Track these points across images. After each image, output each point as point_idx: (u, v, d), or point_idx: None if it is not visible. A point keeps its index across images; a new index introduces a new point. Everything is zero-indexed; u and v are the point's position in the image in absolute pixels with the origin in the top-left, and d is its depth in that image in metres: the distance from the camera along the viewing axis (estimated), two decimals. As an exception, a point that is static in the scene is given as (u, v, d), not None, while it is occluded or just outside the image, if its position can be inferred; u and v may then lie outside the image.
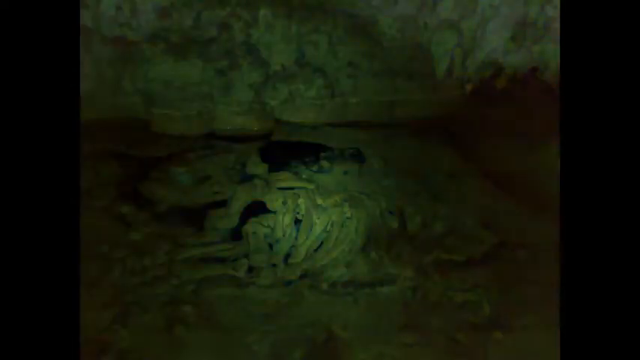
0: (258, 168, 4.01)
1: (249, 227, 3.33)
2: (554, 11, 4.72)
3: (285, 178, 3.82)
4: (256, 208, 3.53)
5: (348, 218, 3.41)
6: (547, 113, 4.24)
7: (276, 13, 4.44)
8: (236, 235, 3.36)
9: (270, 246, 3.26)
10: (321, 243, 3.29)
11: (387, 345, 2.57)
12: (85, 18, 4.10)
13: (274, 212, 3.48)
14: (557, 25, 4.73)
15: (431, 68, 4.92)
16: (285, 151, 4.28)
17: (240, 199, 3.60)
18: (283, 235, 3.32)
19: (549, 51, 4.91)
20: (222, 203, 3.62)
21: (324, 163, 4.10)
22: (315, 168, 4.06)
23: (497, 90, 5.06)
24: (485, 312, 2.81)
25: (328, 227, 3.37)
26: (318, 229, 3.36)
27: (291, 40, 4.56)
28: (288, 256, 3.19)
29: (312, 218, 3.40)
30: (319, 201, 3.53)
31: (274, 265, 3.09)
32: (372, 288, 2.95)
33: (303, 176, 3.90)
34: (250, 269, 3.06)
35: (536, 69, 5.02)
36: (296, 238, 3.31)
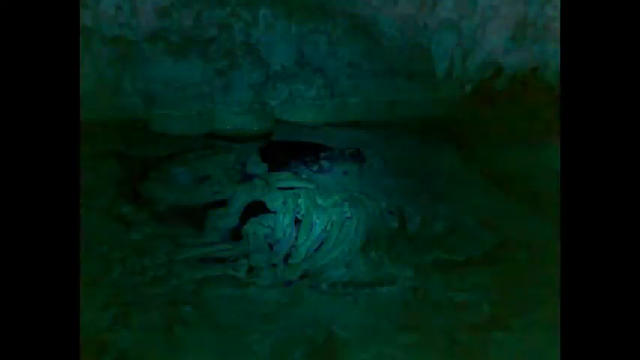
0: (258, 168, 4.01)
1: (248, 227, 3.33)
2: (554, 11, 4.72)
3: (285, 178, 3.82)
4: (256, 208, 3.53)
5: (348, 218, 3.40)
6: (547, 113, 4.25)
7: (276, 13, 4.44)
8: (236, 235, 3.35)
9: (270, 246, 3.26)
10: (321, 243, 3.29)
11: (387, 345, 2.57)
12: (85, 18, 4.10)
13: (274, 212, 3.48)
14: (557, 25, 4.74)
15: (431, 68, 4.92)
16: (285, 151, 4.27)
17: (240, 199, 3.60)
18: (283, 235, 3.32)
19: (549, 51, 4.91)
20: (222, 203, 3.62)
21: (324, 163, 4.09)
22: (315, 168, 4.06)
23: (497, 90, 5.06)
24: (486, 312, 2.81)
25: (328, 227, 3.37)
26: (318, 229, 3.35)
27: (291, 40, 4.56)
28: (288, 256, 3.19)
29: (312, 218, 3.40)
30: (319, 201, 3.53)
31: (274, 265, 3.09)
32: (372, 288, 2.95)
33: (303, 176, 3.89)
34: (250, 269, 3.06)
35: (536, 69, 5.02)
36: (296, 239, 3.30)
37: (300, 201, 3.53)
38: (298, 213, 3.47)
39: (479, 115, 4.81)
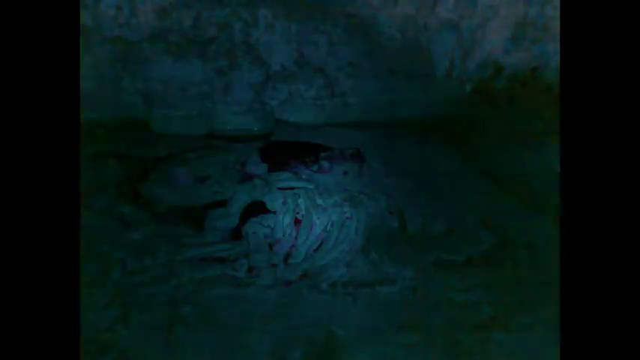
0: (258, 168, 4.01)
1: (248, 227, 3.33)
2: (554, 11, 4.72)
3: (284, 178, 3.82)
4: (256, 208, 3.53)
5: (348, 218, 3.40)
6: (547, 113, 4.25)
7: (276, 13, 4.44)
8: (236, 235, 3.35)
9: (270, 246, 3.26)
10: (321, 243, 3.29)
11: (387, 345, 2.56)
12: (85, 18, 4.10)
13: (274, 212, 3.48)
14: (557, 25, 4.74)
15: (431, 68, 4.92)
16: (285, 151, 4.27)
17: (240, 199, 3.60)
18: (283, 235, 3.32)
19: (549, 51, 4.91)
20: (222, 203, 3.62)
21: (324, 163, 4.09)
22: (315, 168, 4.05)
23: (497, 90, 5.06)
24: (486, 312, 2.81)
25: (328, 227, 3.37)
26: (318, 229, 3.35)
27: (291, 40, 4.56)
28: (288, 256, 3.19)
29: (312, 218, 3.40)
30: (319, 201, 3.53)
31: (274, 265, 3.09)
32: (371, 288, 2.95)
33: (303, 176, 3.89)
34: (250, 269, 3.06)
35: (536, 69, 5.02)
36: (296, 239, 3.30)
37: (300, 201, 3.53)
38: (298, 213, 3.47)
39: (479, 115, 4.81)
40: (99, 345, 2.46)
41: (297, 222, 3.41)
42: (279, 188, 3.67)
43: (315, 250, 3.24)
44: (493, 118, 4.71)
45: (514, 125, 4.48)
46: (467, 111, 4.92)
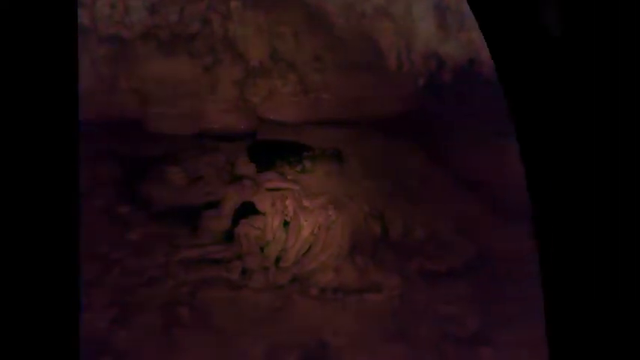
0: (247, 168, 3.96)
1: (240, 229, 3.33)
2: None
3: (272, 179, 3.79)
4: (246, 209, 3.52)
5: (333, 222, 3.46)
6: (492, 109, 4.34)
7: (245, 3, 4.32)
8: (229, 236, 3.38)
9: (262, 249, 3.30)
10: (310, 246, 3.35)
11: (375, 352, 2.67)
12: (82, 17, 3.88)
13: (264, 214, 3.48)
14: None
15: (383, 61, 4.79)
16: (271, 151, 4.19)
17: (231, 200, 3.55)
18: (273, 238, 3.35)
19: (478, 40, 4.50)
20: (215, 204, 3.59)
21: (307, 164, 4.06)
22: (298, 168, 4.02)
23: (444, 84, 4.90)
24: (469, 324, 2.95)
25: (315, 230, 3.41)
26: (305, 232, 3.40)
27: (263, 32, 4.43)
28: (278, 259, 3.24)
29: (300, 220, 3.43)
30: (305, 203, 3.56)
31: (266, 268, 3.14)
32: (359, 294, 3.04)
33: (289, 177, 3.88)
34: (244, 271, 3.07)
35: (472, 61, 4.82)
36: (286, 241, 3.35)
37: (287, 202, 3.53)
38: (287, 215, 3.49)
39: (433, 111, 4.63)
40: (99, 345, 2.41)
41: (285, 224, 3.44)
42: (268, 189, 3.65)
43: (304, 254, 3.30)
44: (445, 114, 4.49)
45: (465, 122, 4.31)
46: (423, 107, 4.72)
